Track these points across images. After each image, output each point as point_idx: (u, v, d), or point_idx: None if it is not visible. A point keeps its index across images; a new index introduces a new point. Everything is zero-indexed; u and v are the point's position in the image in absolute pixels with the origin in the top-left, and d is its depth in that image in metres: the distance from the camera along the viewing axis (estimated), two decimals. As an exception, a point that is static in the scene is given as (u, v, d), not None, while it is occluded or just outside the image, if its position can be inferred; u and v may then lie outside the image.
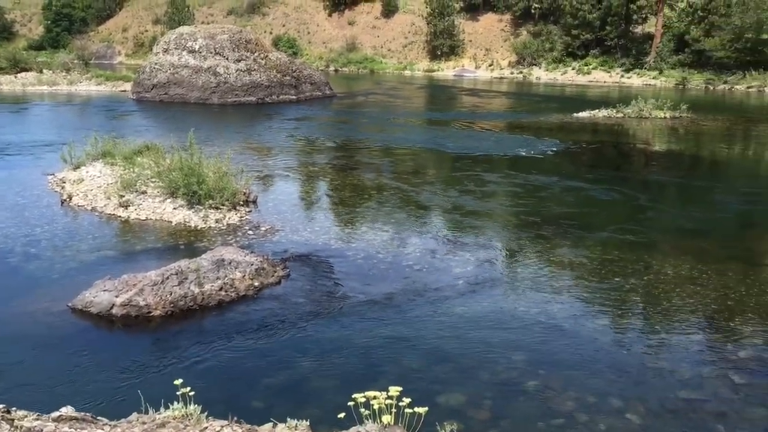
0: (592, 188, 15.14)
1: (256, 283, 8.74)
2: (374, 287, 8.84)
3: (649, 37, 55.33)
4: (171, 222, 11.82)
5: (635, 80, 52.48)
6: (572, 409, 5.96)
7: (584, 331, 7.65)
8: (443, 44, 65.78)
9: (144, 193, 12.90)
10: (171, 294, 8.06)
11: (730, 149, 22.25)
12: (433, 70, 64.28)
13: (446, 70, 63.79)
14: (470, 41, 67.10)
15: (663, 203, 14.29)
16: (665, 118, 28.07)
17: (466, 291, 8.76)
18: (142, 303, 7.89)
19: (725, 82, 47.39)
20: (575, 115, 28.96)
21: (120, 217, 12.11)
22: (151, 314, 7.83)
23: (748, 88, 46.04)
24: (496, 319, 7.89)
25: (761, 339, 7.44)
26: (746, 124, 27.93)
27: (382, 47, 70.36)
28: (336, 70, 66.08)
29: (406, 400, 3.90)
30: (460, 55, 66.16)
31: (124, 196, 12.64)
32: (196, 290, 8.24)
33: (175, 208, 12.28)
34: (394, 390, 3.92)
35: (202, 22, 66.12)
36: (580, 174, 17.07)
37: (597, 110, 29.52)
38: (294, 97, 34.70)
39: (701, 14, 50.83)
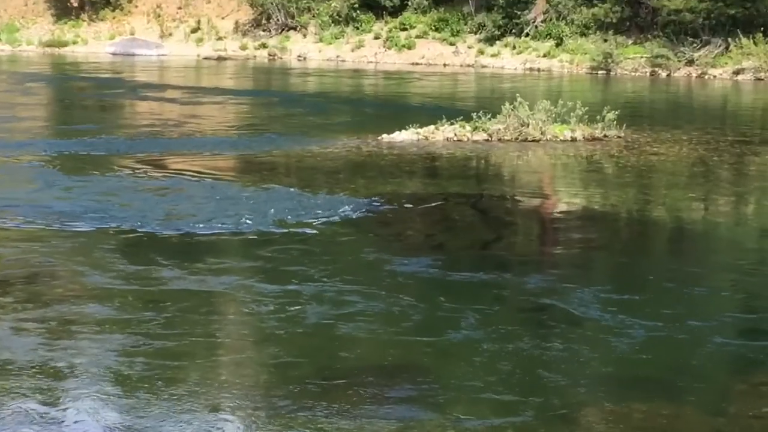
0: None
1: None
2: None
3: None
4: None
5: (507, 59, 30.41)
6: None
7: None
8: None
9: None
10: None
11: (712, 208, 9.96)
12: (64, 44, 35.62)
13: (94, 44, 35.13)
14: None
15: None
16: (575, 140, 15.29)
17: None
18: None
19: (689, 62, 27.39)
20: (386, 137, 15.35)
21: None
22: None
23: (736, 73, 26.43)
24: None
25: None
26: (736, 148, 15.29)
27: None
28: None
29: None
30: (123, 9, 36.64)
31: None
32: None
33: None
34: None
35: None
36: (412, 275, 7.73)
37: (432, 126, 16.06)
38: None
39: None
